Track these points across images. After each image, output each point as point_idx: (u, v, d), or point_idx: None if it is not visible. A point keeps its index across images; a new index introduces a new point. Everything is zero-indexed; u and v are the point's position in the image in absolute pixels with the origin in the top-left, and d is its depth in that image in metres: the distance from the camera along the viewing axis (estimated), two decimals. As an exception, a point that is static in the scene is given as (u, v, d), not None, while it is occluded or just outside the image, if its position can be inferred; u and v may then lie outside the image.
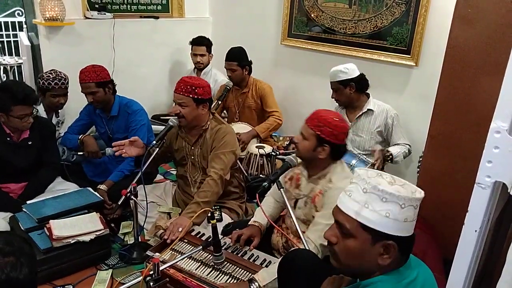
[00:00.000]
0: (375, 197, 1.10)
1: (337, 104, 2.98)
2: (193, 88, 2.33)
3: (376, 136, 2.89)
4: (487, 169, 0.74)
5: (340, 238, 1.17)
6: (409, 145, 2.86)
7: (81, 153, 2.94)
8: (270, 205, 2.24)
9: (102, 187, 2.69)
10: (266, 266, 1.97)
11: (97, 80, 2.76)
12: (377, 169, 2.63)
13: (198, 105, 2.36)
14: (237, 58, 3.44)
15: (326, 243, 1.82)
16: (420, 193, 1.13)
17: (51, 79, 2.86)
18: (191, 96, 2.33)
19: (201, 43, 3.81)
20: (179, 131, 2.55)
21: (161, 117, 3.99)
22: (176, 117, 2.38)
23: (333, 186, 1.91)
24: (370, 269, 1.15)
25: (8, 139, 2.49)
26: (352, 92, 2.83)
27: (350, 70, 2.81)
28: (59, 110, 3.08)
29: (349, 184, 1.18)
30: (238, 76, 3.46)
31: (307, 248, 1.81)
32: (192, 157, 2.53)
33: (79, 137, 2.93)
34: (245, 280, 1.88)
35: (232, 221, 2.46)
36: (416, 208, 1.12)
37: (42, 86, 2.87)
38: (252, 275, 1.84)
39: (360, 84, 2.84)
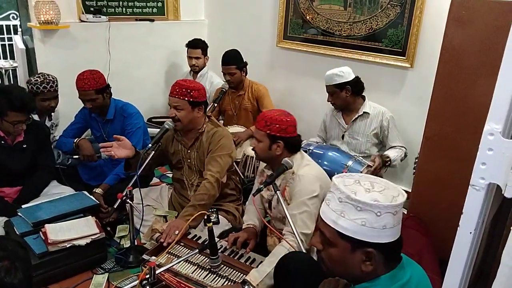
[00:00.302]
0: (350, 206, 1.10)
1: (333, 107, 2.98)
2: (188, 91, 2.32)
3: (372, 138, 2.90)
4: (481, 171, 0.74)
5: (324, 245, 1.20)
6: (404, 147, 2.87)
7: (77, 156, 2.93)
8: (254, 213, 2.27)
9: (98, 190, 2.68)
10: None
11: (97, 88, 2.76)
12: (373, 173, 2.65)
13: (193, 108, 2.36)
14: (235, 61, 3.42)
15: (305, 231, 1.88)
16: (402, 197, 1.12)
17: (39, 83, 2.82)
18: (186, 99, 2.32)
19: (196, 45, 3.80)
20: (175, 134, 2.54)
21: (154, 120, 3.99)
22: (172, 120, 2.37)
23: (296, 175, 2.00)
24: (356, 275, 1.16)
25: (2, 142, 2.47)
26: (348, 95, 2.84)
27: (346, 73, 2.81)
28: (52, 113, 3.06)
29: (328, 193, 1.20)
30: (237, 79, 3.45)
31: (301, 246, 1.82)
32: (189, 160, 2.53)
33: (75, 141, 2.92)
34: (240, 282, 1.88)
35: (226, 228, 2.45)
36: (396, 213, 1.10)
37: (31, 91, 2.82)
38: (244, 276, 1.85)
39: (355, 87, 2.85)
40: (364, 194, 1.10)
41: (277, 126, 1.97)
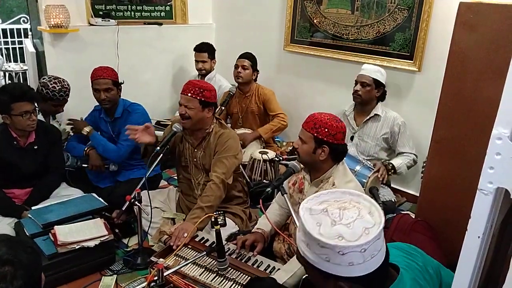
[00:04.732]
0: (312, 241, 1.01)
1: (354, 98, 2.91)
2: (201, 90, 2.34)
3: (381, 142, 2.90)
4: (489, 175, 0.74)
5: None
6: (414, 154, 2.86)
7: (85, 165, 2.96)
8: (275, 212, 2.25)
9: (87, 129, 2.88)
10: (270, 271, 1.98)
11: (114, 78, 2.83)
12: (382, 178, 2.64)
13: (203, 108, 2.38)
14: (251, 59, 3.51)
15: None
16: (377, 228, 0.99)
17: (56, 91, 2.89)
18: (198, 98, 2.34)
19: (202, 49, 3.83)
20: (183, 133, 2.56)
21: (161, 123, 4.00)
22: (181, 119, 2.39)
23: (335, 188, 1.92)
24: None
25: (14, 143, 2.50)
26: (377, 96, 2.86)
27: (384, 76, 2.87)
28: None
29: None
30: (247, 75, 3.49)
31: None
32: (195, 160, 2.55)
33: (85, 149, 2.93)
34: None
35: (234, 231, 2.45)
36: (364, 251, 0.97)
37: (46, 95, 2.88)
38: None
39: (384, 93, 2.90)
40: (328, 228, 0.99)
41: (326, 130, 1.87)
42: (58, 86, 2.90)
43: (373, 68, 2.87)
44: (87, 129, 2.90)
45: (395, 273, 1.13)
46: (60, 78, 2.99)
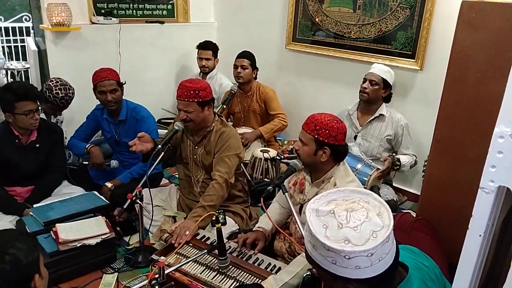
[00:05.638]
0: (319, 244, 0.99)
1: (361, 96, 2.90)
2: (197, 92, 2.34)
3: (385, 143, 2.90)
4: (491, 174, 0.74)
5: None
6: (415, 156, 2.87)
7: (86, 162, 2.96)
8: (276, 211, 2.25)
9: (109, 184, 2.72)
10: (271, 270, 1.98)
11: (118, 79, 2.84)
12: (382, 176, 2.64)
13: (203, 108, 2.38)
14: (250, 58, 3.50)
15: None
16: (386, 231, 0.97)
17: (58, 98, 2.93)
18: (195, 100, 2.34)
19: (207, 47, 3.83)
20: (184, 129, 2.55)
21: (163, 121, 4.01)
22: (184, 123, 2.40)
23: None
24: None
25: (16, 141, 2.51)
26: (383, 96, 2.87)
27: (393, 77, 2.89)
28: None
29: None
30: (247, 75, 3.48)
31: None
32: (195, 157, 2.55)
33: (86, 146, 2.93)
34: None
35: (235, 229, 2.46)
36: (371, 255, 0.95)
37: (47, 98, 2.91)
38: (261, 281, 1.85)
39: (390, 95, 2.92)
40: (335, 231, 0.98)
41: (327, 132, 1.86)
42: (61, 94, 2.92)
43: (383, 68, 2.88)
44: (109, 184, 2.76)
45: (404, 272, 1.13)
46: (68, 85, 3.00)
